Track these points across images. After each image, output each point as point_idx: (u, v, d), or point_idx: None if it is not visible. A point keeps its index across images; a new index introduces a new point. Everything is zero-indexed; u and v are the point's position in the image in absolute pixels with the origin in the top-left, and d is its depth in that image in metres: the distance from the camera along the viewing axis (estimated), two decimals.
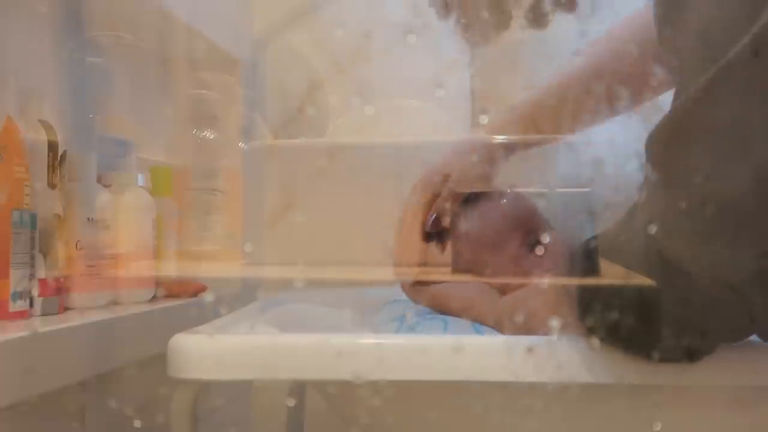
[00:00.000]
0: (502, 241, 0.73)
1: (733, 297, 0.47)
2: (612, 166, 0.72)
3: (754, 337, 0.53)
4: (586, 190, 0.74)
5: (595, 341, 0.51)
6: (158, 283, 0.90)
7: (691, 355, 0.50)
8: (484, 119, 1.20)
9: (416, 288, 0.76)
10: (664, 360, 0.50)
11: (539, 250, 0.72)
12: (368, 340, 0.56)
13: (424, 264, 0.76)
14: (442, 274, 0.76)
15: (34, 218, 0.70)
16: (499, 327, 0.66)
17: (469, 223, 0.75)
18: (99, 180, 0.81)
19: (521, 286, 0.69)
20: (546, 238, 0.73)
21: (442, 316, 0.70)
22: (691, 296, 0.47)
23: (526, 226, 0.74)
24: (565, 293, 0.55)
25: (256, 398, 1.09)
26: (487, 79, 1.23)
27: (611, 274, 0.50)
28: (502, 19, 0.66)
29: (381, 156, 1.14)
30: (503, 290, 0.71)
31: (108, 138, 0.87)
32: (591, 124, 0.74)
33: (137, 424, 0.62)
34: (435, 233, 0.77)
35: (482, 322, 0.67)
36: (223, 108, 1.14)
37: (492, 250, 0.74)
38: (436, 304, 0.73)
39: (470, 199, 0.77)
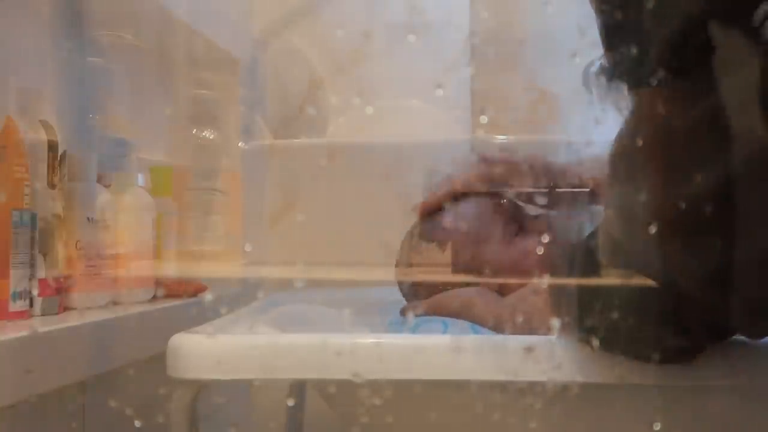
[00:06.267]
0: (486, 233, 0.75)
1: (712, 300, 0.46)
2: None
3: None
4: (586, 190, 0.74)
5: (595, 341, 0.51)
6: (158, 283, 0.90)
7: (683, 355, 0.50)
8: (484, 119, 1.20)
9: (414, 303, 0.76)
10: (660, 361, 0.50)
11: (524, 237, 0.74)
12: (368, 339, 0.56)
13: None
14: (441, 275, 0.76)
15: (34, 218, 0.70)
16: (499, 329, 0.66)
17: (454, 223, 0.77)
18: (99, 180, 0.81)
19: (521, 285, 0.69)
20: (529, 226, 0.75)
21: (442, 318, 0.70)
22: (679, 298, 0.47)
23: (506, 216, 0.75)
24: (561, 295, 0.55)
25: (256, 398, 1.09)
26: (487, 79, 1.23)
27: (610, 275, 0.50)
28: None
29: (381, 156, 1.14)
30: (502, 291, 0.71)
31: (108, 138, 0.87)
32: None
33: (137, 424, 0.62)
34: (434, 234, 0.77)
35: (482, 324, 0.67)
36: (223, 108, 1.14)
37: (479, 243, 0.75)
38: (436, 311, 0.72)
39: (454, 200, 0.78)
